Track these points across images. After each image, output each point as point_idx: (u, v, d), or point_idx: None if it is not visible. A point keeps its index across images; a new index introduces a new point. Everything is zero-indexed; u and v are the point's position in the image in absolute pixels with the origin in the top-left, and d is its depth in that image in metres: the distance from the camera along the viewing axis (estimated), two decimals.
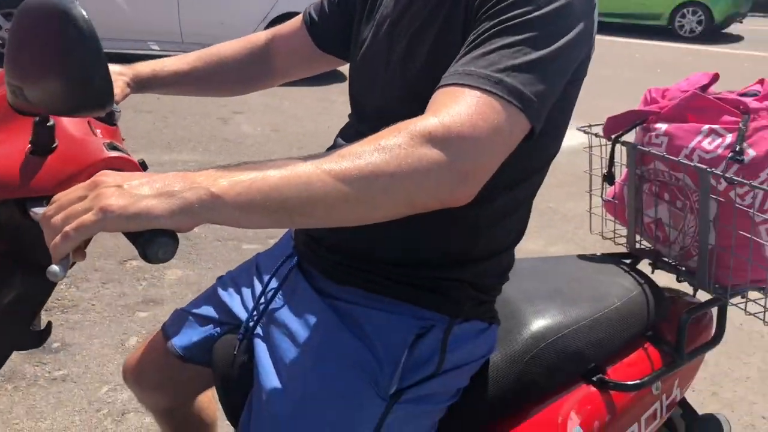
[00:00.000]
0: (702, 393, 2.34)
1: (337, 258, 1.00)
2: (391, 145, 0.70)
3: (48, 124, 0.76)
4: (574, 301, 1.14)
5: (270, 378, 0.95)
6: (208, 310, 1.17)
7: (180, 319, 1.20)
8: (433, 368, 0.94)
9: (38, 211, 0.71)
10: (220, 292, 1.17)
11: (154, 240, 0.66)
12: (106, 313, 2.56)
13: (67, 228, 0.64)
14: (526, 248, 3.09)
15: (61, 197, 0.67)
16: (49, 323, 0.96)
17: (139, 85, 1.14)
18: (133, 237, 0.67)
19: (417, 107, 0.76)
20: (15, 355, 2.24)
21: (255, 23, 7.02)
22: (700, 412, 1.34)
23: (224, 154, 4.59)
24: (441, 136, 0.71)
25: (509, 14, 0.78)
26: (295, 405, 0.92)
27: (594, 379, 1.10)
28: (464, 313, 0.97)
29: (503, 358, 1.05)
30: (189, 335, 1.16)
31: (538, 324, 1.09)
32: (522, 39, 0.77)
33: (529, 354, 1.05)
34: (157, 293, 2.73)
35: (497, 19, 0.79)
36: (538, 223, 3.71)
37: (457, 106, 0.73)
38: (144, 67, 1.16)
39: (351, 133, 1.04)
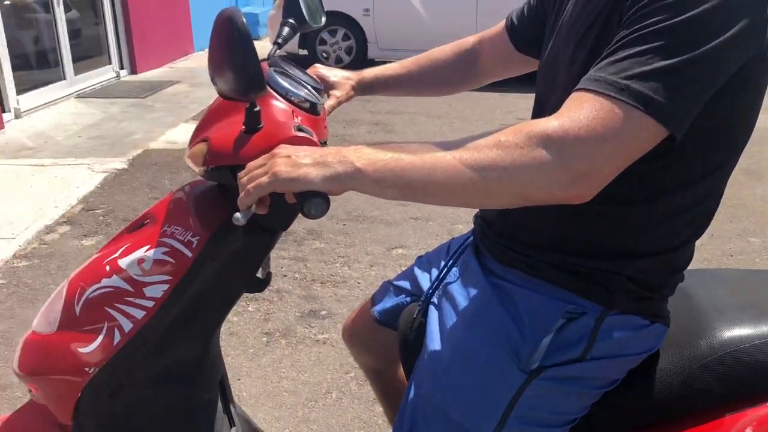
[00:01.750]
0: None
1: (503, 241, 1.08)
2: (509, 142, 0.79)
3: (255, 109, 0.97)
4: None
5: (434, 340, 1.07)
6: (404, 283, 1.32)
7: (384, 289, 1.37)
8: (579, 353, 0.97)
9: (240, 174, 0.93)
10: (416, 268, 1.32)
11: (310, 200, 0.83)
12: (369, 291, 2.88)
13: (249, 186, 0.84)
14: None
15: (251, 164, 0.88)
16: (269, 274, 1.19)
17: (363, 87, 1.34)
18: (297, 197, 0.84)
19: None
20: (292, 316, 2.67)
21: None
22: None
23: None
24: (557, 139, 0.77)
25: (648, 21, 0.79)
26: (447, 365, 1.03)
27: None
28: (620, 305, 0.98)
29: (673, 359, 1.02)
30: (385, 303, 1.32)
31: (721, 332, 1.03)
32: (657, 46, 0.78)
33: (702, 360, 1.01)
34: None
35: (636, 26, 0.80)
36: None
37: (580, 110, 0.78)
38: (368, 73, 1.35)
39: None
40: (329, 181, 0.82)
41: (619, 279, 0.98)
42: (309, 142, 0.96)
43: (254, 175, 0.85)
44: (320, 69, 1.33)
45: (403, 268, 3.09)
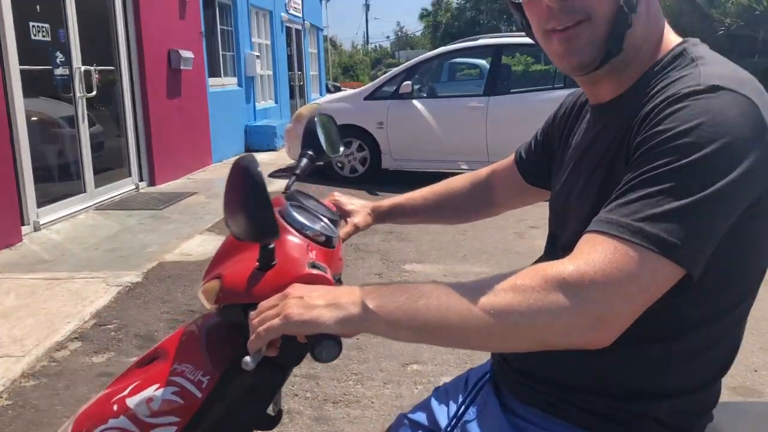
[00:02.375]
0: None
1: (521, 378, 1.04)
2: (525, 286, 0.78)
3: (269, 246, 0.97)
4: None
5: None
6: (420, 416, 1.27)
7: (399, 423, 1.31)
8: None
9: (251, 313, 0.91)
10: (433, 401, 1.27)
11: (321, 342, 0.81)
12: (383, 411, 2.79)
13: (259, 329, 0.83)
14: None
15: (263, 305, 0.87)
16: (280, 411, 1.15)
17: (380, 215, 1.35)
18: (309, 338, 0.83)
19: None
20: None
21: None
22: None
23: (514, 266, 4.72)
24: (573, 283, 0.76)
25: (656, 163, 0.80)
26: None
27: None
28: None
29: None
30: None
31: None
32: (667, 187, 0.78)
33: None
34: None
35: (644, 167, 0.81)
36: None
37: (594, 254, 0.77)
38: (386, 201, 1.37)
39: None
40: (342, 324, 0.81)
41: (646, 420, 0.93)
42: (323, 280, 0.95)
43: (265, 317, 0.84)
44: (338, 197, 1.35)
45: (419, 386, 3.01)
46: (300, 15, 16.08)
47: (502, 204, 1.37)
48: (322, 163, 1.30)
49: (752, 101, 0.82)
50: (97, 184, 6.74)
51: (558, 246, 1.05)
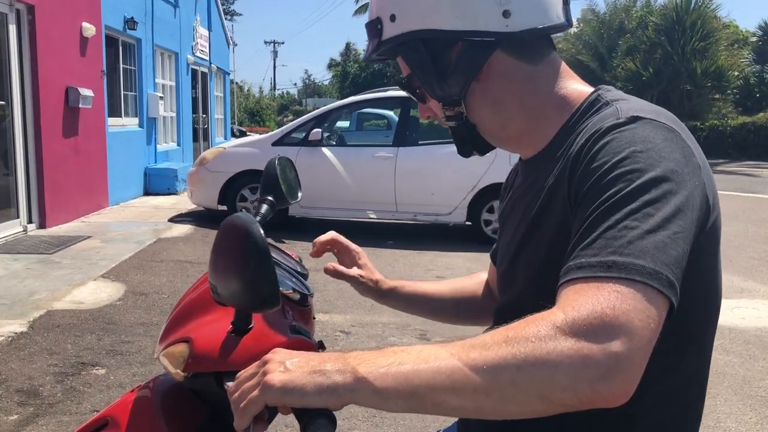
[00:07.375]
0: None
1: None
2: (518, 337, 0.69)
3: None
4: None
5: None
6: None
7: None
8: None
9: (229, 384, 0.79)
10: None
11: (313, 421, 0.71)
12: None
13: (241, 405, 0.73)
14: None
15: (241, 374, 0.77)
16: None
17: (387, 289, 1.24)
18: (299, 416, 0.73)
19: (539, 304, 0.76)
20: None
21: (463, 193, 7.40)
22: None
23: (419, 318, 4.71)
24: (568, 330, 0.68)
25: (604, 196, 0.78)
26: None
27: None
28: None
29: None
30: None
31: None
32: (622, 216, 0.75)
33: None
34: None
35: (593, 205, 0.78)
36: None
37: (580, 299, 0.71)
38: (390, 281, 1.25)
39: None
40: (326, 395, 0.71)
41: None
42: (306, 347, 0.87)
43: (245, 389, 0.74)
44: (338, 236, 1.24)
45: None
46: (207, 58, 15.89)
47: None
48: (281, 208, 1.20)
49: (671, 127, 0.84)
50: None
51: (508, 308, 1.00)
